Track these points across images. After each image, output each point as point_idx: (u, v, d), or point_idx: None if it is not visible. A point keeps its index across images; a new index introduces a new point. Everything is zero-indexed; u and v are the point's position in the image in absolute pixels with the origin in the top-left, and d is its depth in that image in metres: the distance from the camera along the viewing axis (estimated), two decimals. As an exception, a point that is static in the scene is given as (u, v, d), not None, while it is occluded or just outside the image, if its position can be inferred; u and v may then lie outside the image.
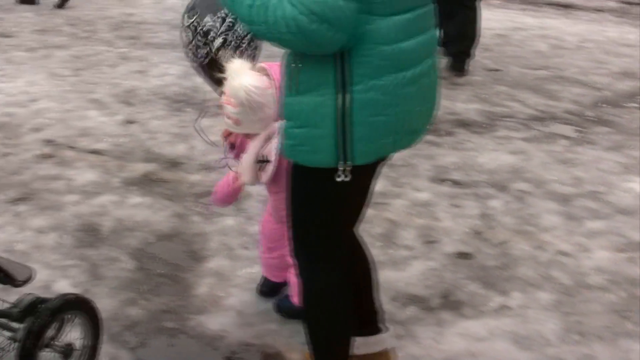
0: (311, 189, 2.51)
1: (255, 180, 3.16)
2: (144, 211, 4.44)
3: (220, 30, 3.50)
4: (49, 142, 5.44)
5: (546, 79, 7.41)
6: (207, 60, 3.54)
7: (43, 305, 2.82)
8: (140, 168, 5.01)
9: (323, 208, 2.53)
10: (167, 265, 3.91)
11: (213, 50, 3.52)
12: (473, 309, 3.60)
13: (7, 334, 2.88)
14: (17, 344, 2.77)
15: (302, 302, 2.77)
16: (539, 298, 3.73)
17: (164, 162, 5.08)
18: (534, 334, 3.46)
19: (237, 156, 3.24)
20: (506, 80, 7.29)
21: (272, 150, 3.02)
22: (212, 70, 3.45)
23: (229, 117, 3.09)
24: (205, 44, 3.51)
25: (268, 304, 3.59)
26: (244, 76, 2.99)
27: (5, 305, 2.87)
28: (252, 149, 3.11)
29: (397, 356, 3.12)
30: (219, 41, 3.51)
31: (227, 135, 3.27)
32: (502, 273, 3.91)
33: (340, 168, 2.36)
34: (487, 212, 4.57)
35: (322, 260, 2.65)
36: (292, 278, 3.26)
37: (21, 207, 4.49)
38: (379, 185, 4.85)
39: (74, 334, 2.95)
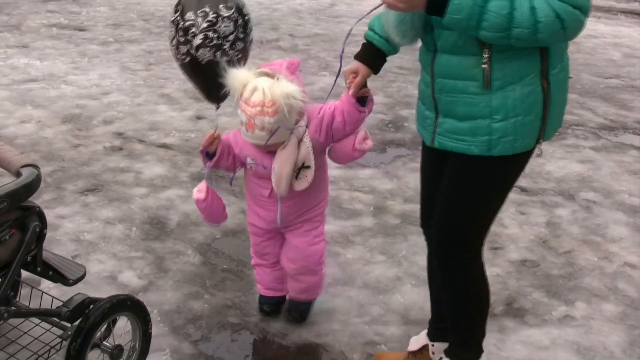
0: (500, 177, 2.60)
1: (289, 189, 3.06)
2: (210, 206, 4.48)
3: (201, 27, 3.10)
4: (119, 134, 5.54)
5: (617, 88, 7.30)
6: (187, 59, 3.18)
7: (93, 306, 2.83)
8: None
9: (503, 194, 2.66)
10: (231, 261, 3.95)
11: (193, 47, 3.13)
12: (536, 317, 3.57)
13: (58, 331, 2.93)
14: (66, 343, 2.80)
15: (461, 293, 2.80)
16: (603, 309, 3.68)
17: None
18: (598, 345, 3.41)
19: (215, 165, 3.11)
20: (576, 88, 7.19)
21: (311, 154, 3.00)
22: (194, 70, 3.25)
23: (262, 129, 2.87)
24: (185, 41, 3.13)
25: (331, 303, 3.60)
26: (282, 83, 2.85)
27: (56, 304, 2.90)
28: (285, 157, 2.97)
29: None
30: (199, 38, 3.11)
31: (209, 143, 3.06)
32: (566, 282, 3.87)
33: (537, 148, 2.54)
34: (553, 220, 4.51)
35: (483, 245, 2.77)
36: (312, 278, 3.34)
37: (90, 198, 4.57)
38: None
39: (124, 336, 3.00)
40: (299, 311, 3.46)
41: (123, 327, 3.01)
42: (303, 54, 7.50)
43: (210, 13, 3.09)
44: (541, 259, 4.08)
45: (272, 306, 3.49)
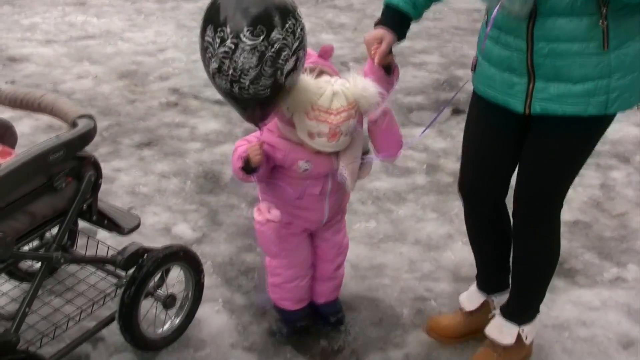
0: (600, 134, 2.60)
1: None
2: (263, 162, 4.52)
3: (217, 51, 2.32)
4: (174, 90, 5.60)
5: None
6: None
7: (147, 255, 2.90)
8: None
9: (592, 150, 2.65)
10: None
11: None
12: (587, 278, 3.56)
13: (112, 280, 3.02)
14: (120, 290, 2.87)
15: (542, 251, 2.82)
16: (656, 272, 3.66)
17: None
18: (649, 307, 3.40)
19: (263, 179, 2.81)
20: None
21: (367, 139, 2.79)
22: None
23: (347, 134, 2.64)
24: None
25: (382, 259, 3.64)
26: (354, 78, 2.59)
27: (111, 252, 2.98)
28: (354, 151, 2.76)
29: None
30: (214, 64, 2.35)
31: (259, 150, 2.66)
32: (619, 245, 3.84)
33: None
34: (607, 182, 4.47)
35: None
36: (342, 271, 3.20)
37: (146, 152, 4.65)
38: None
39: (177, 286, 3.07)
40: (338, 311, 3.25)
41: (176, 277, 3.08)
42: (358, 13, 7.47)
43: (230, 37, 2.29)
44: (594, 220, 4.05)
45: (306, 319, 3.19)
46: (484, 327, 3.04)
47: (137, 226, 2.96)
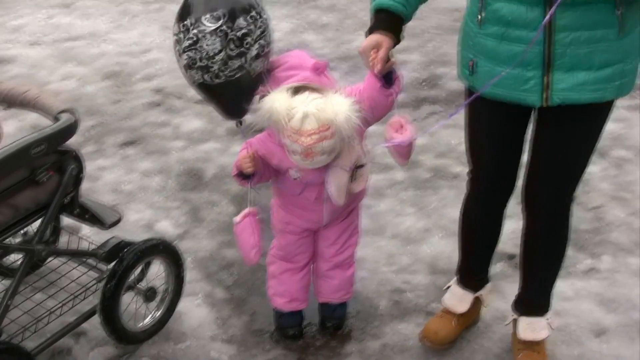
0: (606, 122, 2.65)
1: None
2: (245, 159, 4.59)
3: (183, 45, 2.51)
4: (158, 91, 5.66)
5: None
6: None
7: (128, 249, 2.96)
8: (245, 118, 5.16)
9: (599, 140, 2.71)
10: (265, 211, 4.01)
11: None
12: (561, 270, 3.62)
13: (93, 274, 3.07)
14: (101, 284, 2.93)
15: (559, 241, 2.91)
16: (629, 263, 3.72)
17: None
18: (621, 297, 3.47)
19: (258, 182, 2.85)
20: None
21: (362, 152, 2.81)
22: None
23: (323, 153, 2.62)
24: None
25: (361, 253, 3.65)
26: (331, 99, 2.58)
27: (92, 247, 3.04)
28: (341, 165, 2.75)
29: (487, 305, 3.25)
30: (184, 59, 2.54)
31: (250, 162, 2.75)
32: (593, 237, 3.91)
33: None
34: (584, 177, 4.53)
35: None
36: (345, 273, 3.17)
37: (129, 151, 4.71)
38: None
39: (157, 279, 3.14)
40: (336, 317, 3.22)
41: (157, 272, 3.14)
42: (341, 14, 7.52)
43: (192, 28, 2.49)
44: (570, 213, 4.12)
45: (297, 327, 3.18)
46: (473, 321, 3.19)
47: (119, 220, 3.01)
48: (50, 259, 3.07)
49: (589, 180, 4.48)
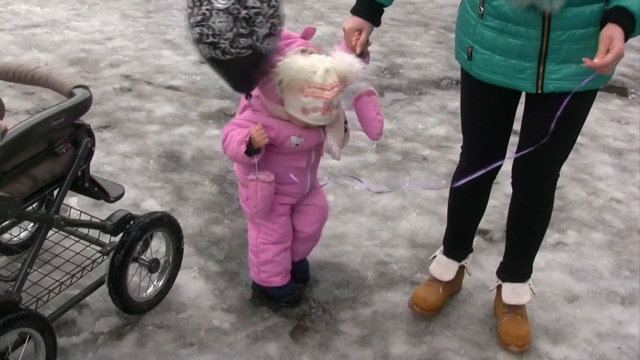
0: (590, 106, 2.87)
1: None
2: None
3: (196, 19, 2.59)
4: (126, 77, 5.74)
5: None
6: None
7: (134, 221, 3.09)
8: (215, 104, 5.30)
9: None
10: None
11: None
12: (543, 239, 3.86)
13: (97, 248, 3.18)
14: (108, 257, 3.05)
15: (545, 214, 3.18)
16: (593, 237, 3.99)
17: (237, 100, 5.33)
18: (588, 267, 3.72)
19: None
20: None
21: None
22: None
23: (337, 107, 2.86)
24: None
25: (343, 229, 3.88)
26: (339, 55, 2.79)
27: (96, 221, 3.14)
28: (337, 124, 2.99)
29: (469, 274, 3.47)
30: (195, 33, 2.62)
31: (264, 133, 2.87)
32: (558, 214, 4.16)
33: None
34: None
35: None
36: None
37: (106, 134, 4.79)
38: (444, 130, 5.11)
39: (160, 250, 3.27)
40: (307, 271, 3.50)
41: (157, 245, 3.26)
42: (298, 5, 7.68)
43: (205, 4, 2.57)
44: (534, 193, 4.36)
45: (296, 291, 3.37)
46: (457, 289, 3.42)
47: (122, 194, 3.13)
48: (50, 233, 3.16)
49: (551, 161, 4.73)
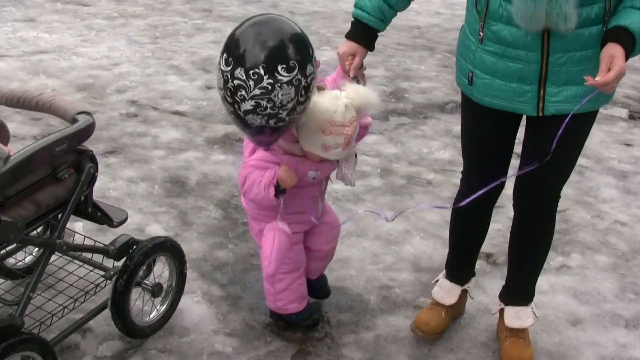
0: (591, 127, 2.89)
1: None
2: (227, 167, 4.75)
3: (252, 93, 2.49)
4: (133, 102, 5.78)
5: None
6: (232, 115, 2.63)
7: (137, 246, 3.11)
8: (221, 129, 5.33)
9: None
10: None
11: (240, 111, 2.55)
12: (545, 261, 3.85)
13: (100, 272, 3.19)
14: (111, 281, 3.05)
15: (548, 236, 3.16)
16: (596, 260, 3.99)
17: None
18: (592, 290, 3.72)
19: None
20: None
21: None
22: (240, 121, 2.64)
23: (353, 140, 2.84)
24: (233, 102, 2.55)
25: (347, 253, 3.89)
26: (355, 89, 2.81)
27: (99, 246, 3.16)
28: (351, 152, 2.97)
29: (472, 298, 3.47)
30: (248, 105, 2.51)
31: (294, 177, 2.87)
32: (562, 237, 4.16)
33: None
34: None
35: None
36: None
37: (112, 160, 4.82)
38: (448, 154, 5.13)
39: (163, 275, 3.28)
40: (327, 284, 3.53)
41: (157, 270, 3.27)
42: (304, 30, 7.73)
43: (265, 78, 2.46)
44: (538, 216, 4.37)
45: (314, 313, 3.38)
46: (460, 313, 3.42)
47: (125, 219, 3.16)
48: (53, 257, 3.19)
49: (555, 185, 4.73)
